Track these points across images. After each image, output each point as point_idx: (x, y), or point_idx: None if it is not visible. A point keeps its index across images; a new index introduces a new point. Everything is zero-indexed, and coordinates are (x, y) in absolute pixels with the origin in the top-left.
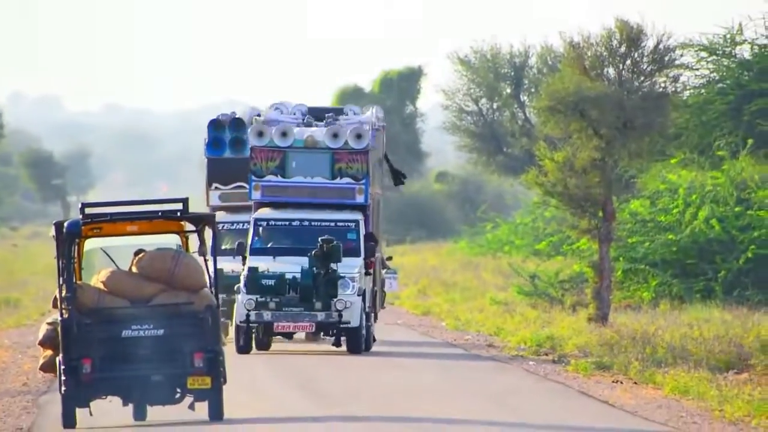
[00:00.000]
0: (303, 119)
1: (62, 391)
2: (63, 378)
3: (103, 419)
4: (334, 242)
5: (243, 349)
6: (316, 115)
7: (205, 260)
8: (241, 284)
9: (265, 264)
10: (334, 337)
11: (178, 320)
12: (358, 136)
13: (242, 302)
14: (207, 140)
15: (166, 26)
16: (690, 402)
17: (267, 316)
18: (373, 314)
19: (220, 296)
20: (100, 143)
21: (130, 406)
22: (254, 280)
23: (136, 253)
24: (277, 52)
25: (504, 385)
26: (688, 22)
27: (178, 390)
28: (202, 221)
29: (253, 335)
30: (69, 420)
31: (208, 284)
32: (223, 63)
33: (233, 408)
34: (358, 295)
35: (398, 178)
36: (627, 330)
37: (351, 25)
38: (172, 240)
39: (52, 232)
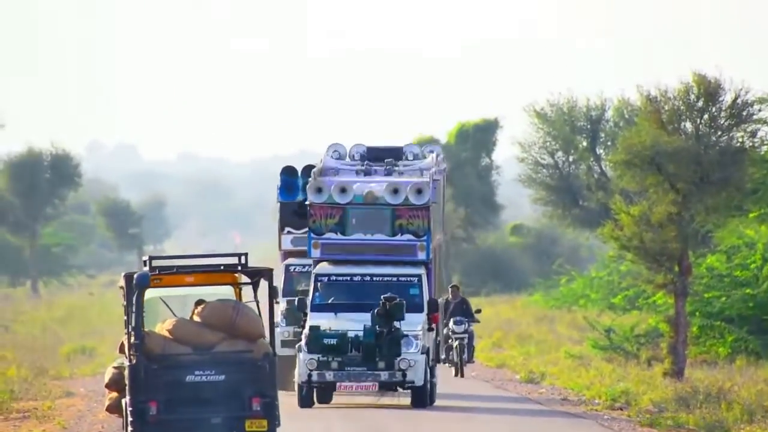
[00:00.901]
0: (362, 164)
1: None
2: (130, 419)
3: None
4: (397, 300)
5: (306, 403)
6: (375, 155)
7: (276, 302)
8: (302, 343)
9: (327, 322)
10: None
11: (238, 367)
12: (419, 192)
13: (304, 362)
14: (280, 185)
15: (241, 75)
16: None
17: (329, 376)
18: (435, 368)
19: (293, 329)
20: (175, 192)
21: None
22: (316, 339)
23: (197, 303)
24: (352, 101)
25: None
26: (767, 76)
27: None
28: (258, 275)
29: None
30: None
31: (265, 334)
32: (297, 113)
33: None
34: (422, 353)
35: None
36: (702, 385)
37: (428, 76)
38: (226, 291)
39: (121, 282)
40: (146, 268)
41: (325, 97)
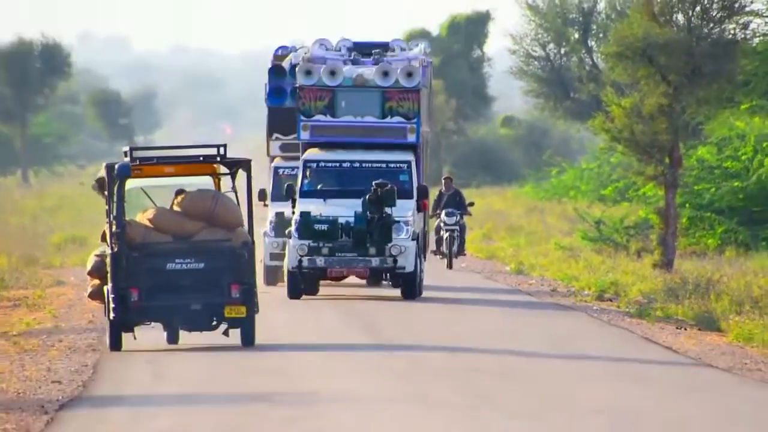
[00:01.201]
0: (350, 55)
1: (110, 318)
2: (112, 306)
3: (142, 344)
4: (389, 186)
5: (294, 293)
6: (362, 50)
7: (265, 204)
8: (293, 229)
9: (317, 208)
10: (390, 280)
11: (217, 255)
12: (409, 74)
13: (294, 247)
14: (268, 88)
15: None
16: (754, 349)
17: (320, 261)
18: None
19: (282, 240)
20: (166, 83)
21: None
22: (307, 225)
23: (178, 193)
24: None
25: (566, 329)
26: None
27: (215, 318)
28: (236, 165)
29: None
30: (116, 344)
31: (245, 223)
32: (289, 4)
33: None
34: (413, 239)
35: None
36: (692, 277)
37: None
38: (205, 181)
39: (102, 172)
40: (127, 159)
41: None
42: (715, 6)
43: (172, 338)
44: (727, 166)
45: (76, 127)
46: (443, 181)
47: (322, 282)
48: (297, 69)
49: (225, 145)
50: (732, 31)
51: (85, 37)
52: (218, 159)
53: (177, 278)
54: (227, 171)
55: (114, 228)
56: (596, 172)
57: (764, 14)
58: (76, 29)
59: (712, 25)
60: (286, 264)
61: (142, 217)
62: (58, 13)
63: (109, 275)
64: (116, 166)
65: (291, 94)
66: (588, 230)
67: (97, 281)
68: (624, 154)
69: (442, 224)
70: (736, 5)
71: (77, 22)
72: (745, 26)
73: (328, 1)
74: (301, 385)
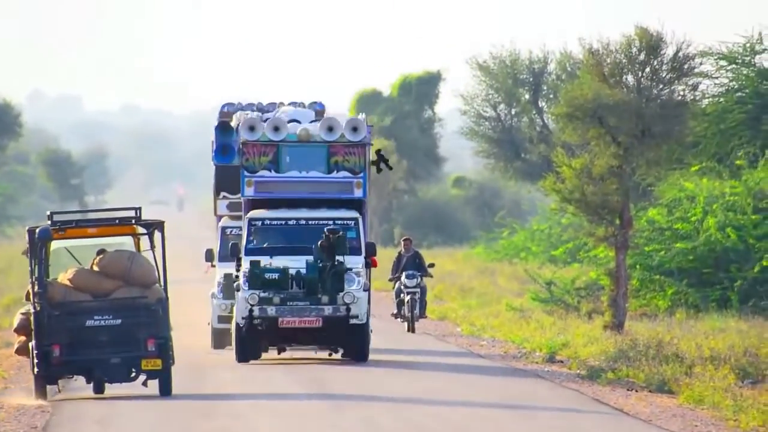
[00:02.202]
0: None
1: (35, 372)
2: (36, 361)
3: (71, 393)
4: (340, 233)
5: (243, 354)
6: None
7: (212, 265)
8: (241, 281)
9: (266, 259)
10: (342, 345)
11: (134, 311)
12: (354, 129)
13: (244, 298)
14: (214, 146)
15: (182, 28)
16: (705, 411)
17: (271, 311)
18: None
19: (230, 302)
20: (118, 143)
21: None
22: (257, 275)
23: (98, 253)
24: (295, 53)
25: (518, 391)
26: (708, 30)
27: (134, 370)
28: (152, 227)
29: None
30: (41, 395)
31: (160, 281)
32: (238, 64)
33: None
34: (365, 290)
35: (380, 165)
36: (642, 338)
37: (369, 29)
38: (126, 241)
39: (26, 237)
40: (48, 223)
41: (265, 49)
42: (664, 67)
43: (98, 388)
44: (677, 228)
45: (27, 188)
46: (402, 242)
47: (268, 350)
48: (240, 125)
49: (140, 208)
50: (681, 93)
51: (35, 95)
52: (133, 221)
53: (96, 334)
54: (145, 232)
55: (36, 288)
56: (547, 233)
57: (713, 76)
58: (27, 88)
59: (661, 86)
60: (235, 317)
61: (63, 277)
62: (8, 71)
63: (33, 332)
64: (37, 230)
65: (238, 153)
66: (539, 291)
67: (23, 338)
68: (575, 215)
69: (402, 287)
70: (686, 67)
71: (27, 81)
72: (695, 88)
73: (279, 62)
74: None
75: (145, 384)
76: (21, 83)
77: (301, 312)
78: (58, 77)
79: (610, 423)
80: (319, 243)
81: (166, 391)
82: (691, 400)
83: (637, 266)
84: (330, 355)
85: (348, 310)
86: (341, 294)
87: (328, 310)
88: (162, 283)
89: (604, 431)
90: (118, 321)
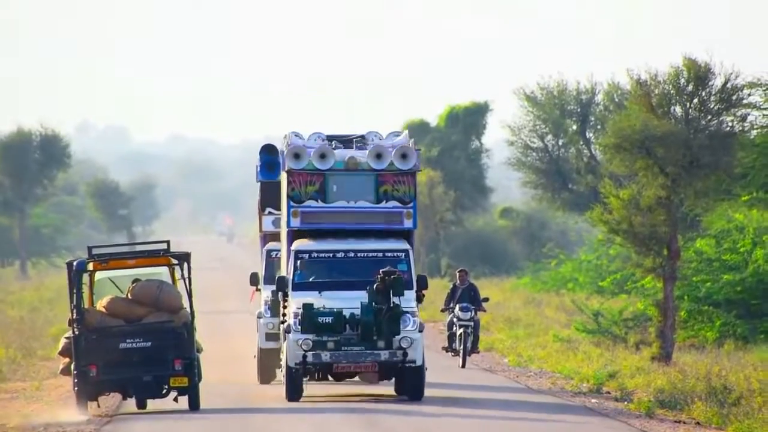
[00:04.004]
0: (331, 144)
1: (75, 390)
2: (76, 380)
3: (120, 409)
4: (396, 274)
5: (294, 394)
6: (338, 141)
7: (257, 289)
8: (291, 323)
9: (315, 300)
10: (395, 382)
11: (162, 335)
12: (404, 156)
13: (297, 342)
14: (260, 164)
15: (231, 57)
16: None
17: (325, 356)
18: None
19: (278, 321)
20: (164, 173)
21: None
22: (310, 318)
23: (133, 282)
24: (343, 85)
25: (566, 424)
26: (757, 60)
27: (165, 387)
28: (181, 258)
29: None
30: (82, 410)
31: (187, 307)
32: (288, 95)
33: None
34: (420, 331)
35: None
36: (691, 370)
37: (417, 60)
38: (162, 271)
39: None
40: (86, 256)
41: (314, 81)
42: (713, 98)
43: (140, 404)
44: (725, 259)
45: (75, 218)
46: (458, 273)
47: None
48: (285, 153)
49: (168, 241)
50: (730, 124)
51: (83, 126)
52: (161, 253)
53: (129, 355)
54: (177, 262)
55: (74, 315)
56: (594, 264)
57: (762, 107)
58: (75, 119)
59: (709, 117)
60: (286, 361)
61: (100, 305)
62: (57, 103)
63: (72, 355)
64: (75, 263)
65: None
66: (586, 322)
67: (67, 359)
68: (622, 245)
69: (455, 319)
70: (734, 98)
71: (76, 112)
72: (743, 119)
73: (327, 93)
74: None
75: (175, 400)
76: (69, 114)
77: (356, 357)
78: (106, 108)
79: None
80: (374, 286)
81: (194, 405)
82: None
83: (685, 297)
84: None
85: (405, 354)
86: (397, 338)
87: (384, 355)
88: (189, 309)
89: None
90: (149, 343)
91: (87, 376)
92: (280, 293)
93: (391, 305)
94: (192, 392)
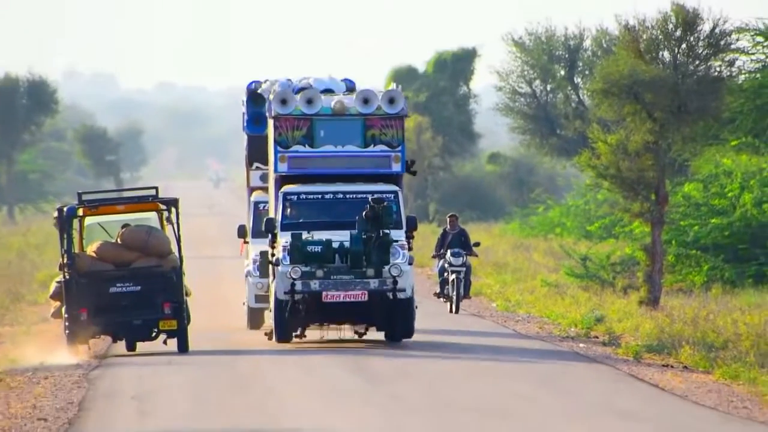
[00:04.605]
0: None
1: (66, 333)
2: (66, 323)
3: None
4: (385, 203)
5: (284, 333)
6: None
7: (245, 242)
8: (281, 255)
9: (307, 235)
10: (382, 321)
11: (151, 279)
12: (391, 100)
13: (285, 273)
14: (246, 116)
15: (221, 3)
16: (740, 387)
17: (315, 285)
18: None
19: (267, 281)
20: (152, 120)
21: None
22: (299, 248)
23: (123, 227)
24: (331, 30)
25: (553, 366)
26: (745, 6)
27: (154, 330)
28: (169, 204)
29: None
30: (73, 352)
31: (175, 251)
32: (275, 40)
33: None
34: (410, 264)
35: (409, 169)
36: (678, 314)
37: (404, 6)
38: (152, 216)
39: (56, 214)
40: (75, 202)
41: (301, 27)
42: (701, 43)
43: (130, 347)
44: (713, 203)
45: (63, 164)
46: (448, 219)
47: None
48: (272, 98)
49: (156, 187)
50: (718, 69)
51: (71, 73)
52: (150, 199)
53: (119, 299)
54: (165, 208)
55: (65, 259)
56: (582, 209)
57: (750, 52)
58: (63, 66)
59: (698, 62)
60: (275, 293)
61: (90, 250)
62: (44, 49)
63: (63, 298)
64: (65, 208)
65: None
66: (574, 267)
67: (57, 303)
68: (610, 190)
69: (447, 265)
70: (722, 43)
71: (63, 59)
72: (731, 63)
73: (315, 39)
74: (283, 422)
75: (165, 342)
76: (56, 62)
77: (346, 286)
78: (94, 55)
79: (646, 399)
80: (363, 213)
81: (183, 348)
82: (727, 375)
83: (673, 242)
84: (361, 335)
85: (395, 283)
86: (387, 267)
87: (373, 283)
88: (177, 254)
89: (639, 407)
90: (138, 287)
91: (78, 319)
92: (269, 235)
93: (381, 234)
94: (181, 335)
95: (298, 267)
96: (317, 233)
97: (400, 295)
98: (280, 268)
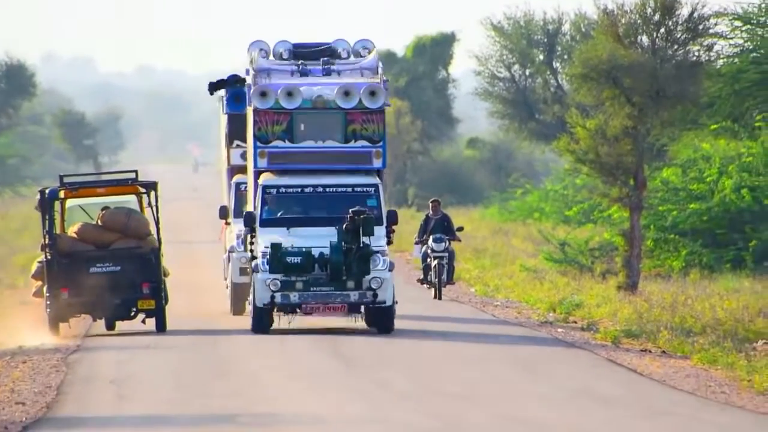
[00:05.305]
0: (297, 64)
1: (47, 312)
2: (48, 302)
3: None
4: (366, 213)
5: (260, 328)
6: (306, 55)
7: (227, 223)
8: (259, 262)
9: (283, 239)
10: (365, 314)
11: (130, 260)
12: (372, 94)
13: (265, 282)
14: (227, 96)
15: None
16: (718, 372)
17: (294, 297)
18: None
19: (249, 254)
20: (132, 105)
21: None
22: (278, 258)
23: (102, 209)
24: (311, 13)
25: (532, 351)
26: None
27: (133, 309)
28: (148, 187)
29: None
30: (54, 330)
31: (152, 233)
32: (255, 25)
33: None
34: (390, 270)
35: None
36: (657, 299)
37: None
38: (131, 199)
39: (38, 196)
40: (57, 184)
41: (280, 12)
42: (679, 28)
43: (109, 326)
44: (692, 188)
45: (41, 148)
46: (430, 204)
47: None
48: (251, 91)
49: (136, 171)
50: (696, 53)
51: (49, 57)
52: (130, 182)
53: (99, 279)
54: (145, 191)
55: (47, 240)
56: (561, 194)
57: (728, 36)
58: (40, 49)
59: (676, 47)
60: (254, 300)
61: (71, 231)
62: (22, 33)
63: (45, 278)
64: (47, 191)
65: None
66: (553, 252)
67: (39, 282)
68: (589, 175)
69: (429, 251)
70: (701, 27)
71: (41, 43)
72: (709, 48)
73: (295, 25)
74: (262, 407)
75: (143, 322)
76: (35, 44)
77: (325, 298)
78: (72, 39)
79: (624, 384)
80: (344, 225)
81: (161, 327)
82: (705, 360)
83: (651, 227)
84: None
85: (375, 295)
86: (367, 278)
87: (354, 296)
88: (156, 235)
89: (617, 392)
90: (118, 268)
91: (59, 298)
92: (247, 229)
93: (361, 245)
94: (159, 314)
95: (277, 279)
96: (297, 230)
97: (381, 305)
98: (259, 275)
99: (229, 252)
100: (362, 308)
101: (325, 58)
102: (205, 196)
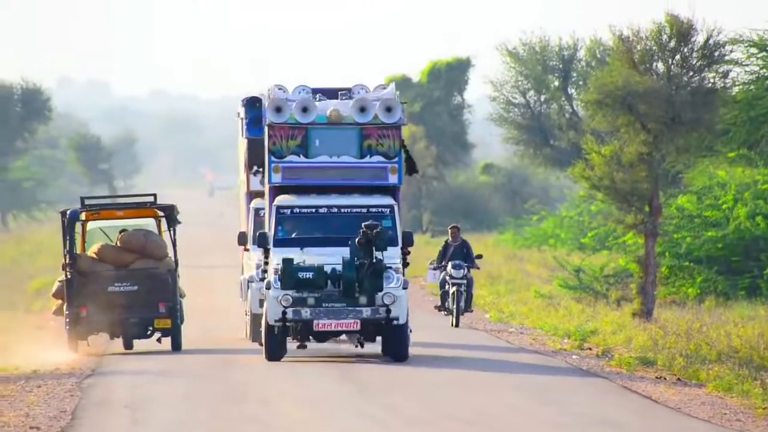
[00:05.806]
0: (314, 97)
1: (66, 329)
2: (67, 320)
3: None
4: (379, 227)
5: (274, 353)
6: (324, 96)
7: (246, 249)
8: (271, 279)
9: (299, 256)
10: (381, 337)
11: (148, 280)
12: (389, 109)
13: (276, 299)
14: (246, 119)
15: (214, 12)
16: (733, 399)
17: (305, 313)
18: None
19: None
20: (146, 128)
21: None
22: (290, 273)
23: (120, 231)
24: (325, 39)
25: (546, 378)
26: (739, 17)
27: (150, 328)
28: (166, 210)
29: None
30: (73, 348)
31: (169, 254)
32: (269, 50)
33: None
34: (404, 288)
35: (412, 168)
36: (671, 326)
37: (400, 15)
38: (150, 222)
39: (60, 217)
40: (78, 206)
41: (295, 35)
42: (695, 55)
43: (128, 345)
44: (707, 215)
45: (56, 172)
46: (450, 230)
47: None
48: (266, 106)
49: (155, 195)
50: (712, 80)
51: (64, 81)
52: (149, 205)
53: (117, 298)
54: (163, 214)
55: (67, 260)
56: (576, 220)
57: (744, 63)
58: (56, 73)
59: (691, 73)
60: (265, 317)
61: (91, 251)
62: (38, 56)
63: (65, 297)
64: (68, 212)
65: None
66: (567, 278)
67: (59, 301)
68: (604, 202)
69: (448, 278)
70: (716, 54)
71: (57, 66)
72: (725, 75)
73: (308, 47)
74: None
75: (159, 340)
76: (50, 69)
77: (337, 314)
78: (88, 63)
79: (639, 411)
80: (356, 240)
81: (176, 346)
82: (720, 388)
83: (666, 254)
84: (357, 347)
85: (388, 311)
86: (380, 294)
87: (366, 312)
88: (173, 257)
89: (632, 419)
90: (135, 287)
91: (78, 316)
92: (261, 250)
93: (374, 260)
94: (174, 333)
95: (288, 294)
96: (312, 250)
97: (394, 322)
98: (271, 292)
99: (249, 281)
100: (376, 337)
101: (343, 92)
102: (225, 222)
